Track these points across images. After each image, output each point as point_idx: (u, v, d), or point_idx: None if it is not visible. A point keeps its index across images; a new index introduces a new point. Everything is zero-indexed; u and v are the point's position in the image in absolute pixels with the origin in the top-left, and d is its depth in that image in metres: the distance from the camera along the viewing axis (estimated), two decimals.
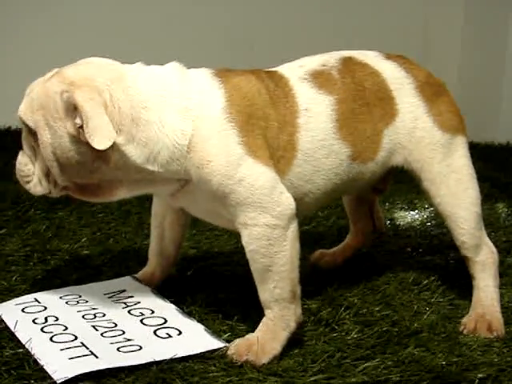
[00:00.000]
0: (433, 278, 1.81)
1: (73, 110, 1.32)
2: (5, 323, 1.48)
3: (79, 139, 1.33)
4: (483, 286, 1.59)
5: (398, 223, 2.30)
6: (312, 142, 1.49)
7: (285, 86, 1.51)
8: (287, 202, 1.39)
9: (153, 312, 1.55)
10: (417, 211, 2.40)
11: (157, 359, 1.34)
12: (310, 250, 1.99)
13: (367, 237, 1.93)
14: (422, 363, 1.37)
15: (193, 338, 1.44)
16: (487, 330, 1.52)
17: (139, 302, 1.59)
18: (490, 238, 2.12)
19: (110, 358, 1.33)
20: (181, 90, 1.38)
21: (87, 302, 1.59)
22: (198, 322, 1.52)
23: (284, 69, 1.57)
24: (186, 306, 1.61)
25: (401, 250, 2.06)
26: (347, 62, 1.59)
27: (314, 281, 1.80)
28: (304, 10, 3.67)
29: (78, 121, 1.32)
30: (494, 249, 1.63)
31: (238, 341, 1.42)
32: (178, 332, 1.46)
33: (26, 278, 1.74)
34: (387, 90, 1.59)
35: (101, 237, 2.08)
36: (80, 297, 1.62)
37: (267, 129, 1.43)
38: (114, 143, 1.32)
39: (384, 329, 1.52)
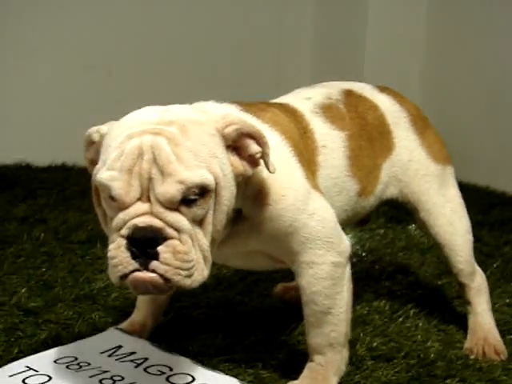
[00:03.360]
0: (403, 305, 1.83)
1: (235, 142, 1.19)
2: None
3: (237, 177, 1.20)
4: (480, 311, 1.64)
5: None
6: (328, 179, 1.44)
7: (302, 121, 1.45)
8: (346, 239, 1.34)
9: (171, 369, 1.40)
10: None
11: None
12: (269, 283, 1.94)
13: None
14: None
15: None
16: (495, 353, 1.58)
17: (147, 359, 1.43)
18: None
19: None
20: None
21: (89, 364, 1.40)
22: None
23: (291, 101, 1.51)
24: (193, 356, 1.48)
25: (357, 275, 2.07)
26: (349, 96, 1.57)
27: (289, 316, 1.75)
28: (162, 34, 3.56)
29: (254, 148, 1.18)
30: (483, 274, 1.69)
31: None
32: None
33: None
34: (386, 124, 1.59)
35: (37, 285, 1.85)
36: (76, 359, 1.41)
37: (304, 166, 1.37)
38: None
39: (405, 362, 1.51)
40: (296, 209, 1.28)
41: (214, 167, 1.14)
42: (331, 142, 1.47)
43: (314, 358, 1.36)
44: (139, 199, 1.12)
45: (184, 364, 1.42)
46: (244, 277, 1.97)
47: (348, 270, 1.35)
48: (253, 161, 1.20)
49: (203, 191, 1.13)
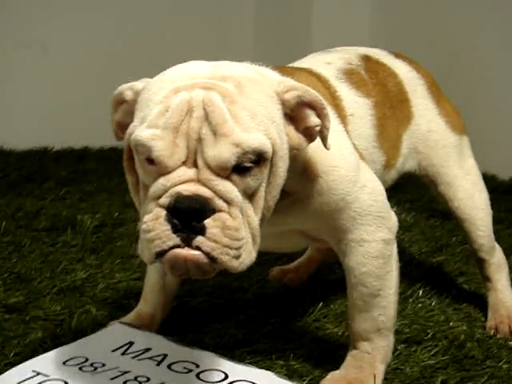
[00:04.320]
0: (410, 285, 1.73)
1: (293, 110, 1.03)
2: None
3: (291, 150, 1.04)
4: (501, 287, 1.57)
5: None
6: None
7: (329, 87, 1.32)
8: (394, 214, 1.23)
9: (197, 365, 1.24)
10: None
11: None
12: (264, 267, 1.81)
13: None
14: None
15: None
16: None
17: (166, 355, 1.27)
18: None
19: None
20: None
21: (104, 364, 1.23)
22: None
23: (312, 66, 1.37)
24: (212, 349, 1.33)
25: None
26: (368, 62, 1.45)
27: (295, 301, 1.64)
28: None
29: (314, 120, 1.04)
30: (501, 249, 1.62)
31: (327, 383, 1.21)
32: None
33: None
34: (404, 91, 1.49)
35: (11, 278, 1.65)
36: (87, 360, 1.24)
37: None
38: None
39: (436, 344, 1.42)
40: (348, 181, 1.15)
41: (272, 133, 0.99)
42: (359, 109, 1.35)
43: (358, 344, 1.24)
44: (184, 163, 0.95)
45: (210, 359, 1.27)
46: None
47: (396, 247, 1.24)
48: (309, 134, 1.06)
49: (259, 159, 0.97)
